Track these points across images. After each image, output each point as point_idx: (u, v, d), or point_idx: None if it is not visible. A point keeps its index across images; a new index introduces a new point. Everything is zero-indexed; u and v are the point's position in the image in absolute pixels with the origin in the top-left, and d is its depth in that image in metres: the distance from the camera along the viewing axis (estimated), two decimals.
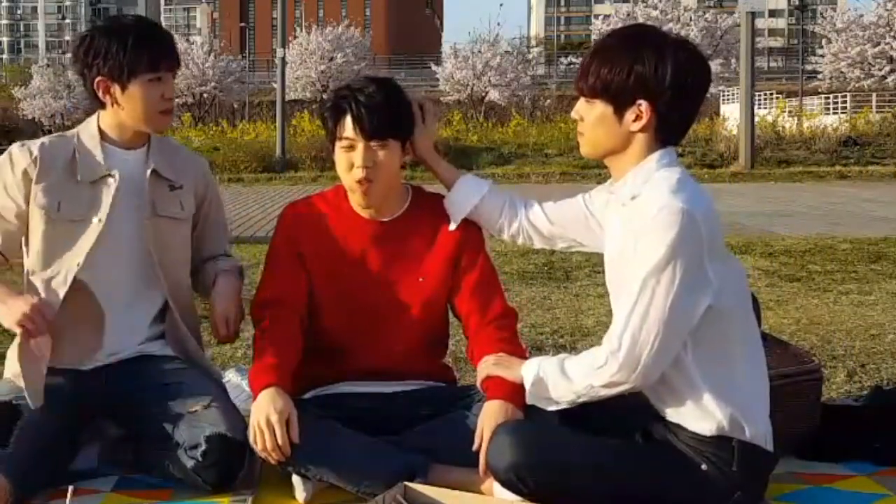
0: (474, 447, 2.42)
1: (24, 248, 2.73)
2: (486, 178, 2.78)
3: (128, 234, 2.71)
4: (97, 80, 2.66)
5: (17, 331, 2.54)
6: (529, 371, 2.36)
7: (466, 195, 2.68)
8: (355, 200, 2.65)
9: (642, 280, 2.14)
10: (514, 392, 2.45)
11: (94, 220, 2.68)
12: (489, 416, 2.43)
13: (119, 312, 2.74)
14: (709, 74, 2.30)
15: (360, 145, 2.55)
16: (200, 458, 2.52)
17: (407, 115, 2.62)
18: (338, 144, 2.58)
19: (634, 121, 2.23)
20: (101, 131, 2.74)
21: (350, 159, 2.57)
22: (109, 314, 2.72)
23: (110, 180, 2.70)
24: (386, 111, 2.55)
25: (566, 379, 2.28)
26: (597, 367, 2.22)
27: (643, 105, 2.22)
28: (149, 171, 2.74)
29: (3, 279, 2.67)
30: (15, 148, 2.73)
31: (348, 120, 2.55)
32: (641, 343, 2.16)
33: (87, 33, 2.70)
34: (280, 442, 2.41)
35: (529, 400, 2.37)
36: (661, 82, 2.19)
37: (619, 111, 2.24)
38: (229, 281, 2.80)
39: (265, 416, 2.42)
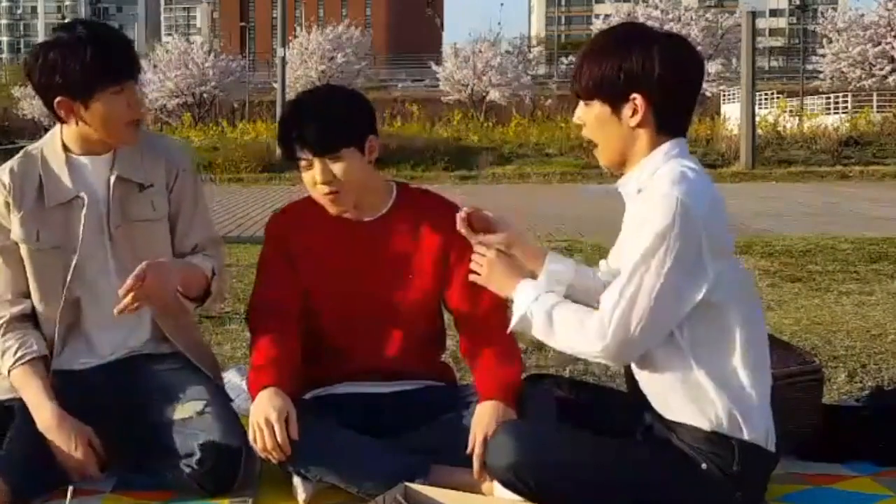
0: (468, 450, 2.42)
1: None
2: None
3: (106, 244, 2.67)
4: (57, 100, 2.55)
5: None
6: (519, 304, 2.33)
7: (566, 266, 2.47)
8: (330, 210, 2.64)
9: (634, 264, 2.15)
10: (506, 392, 2.46)
11: (71, 247, 2.64)
12: (481, 418, 2.44)
13: (109, 316, 2.71)
14: (700, 63, 2.31)
15: (316, 163, 2.55)
16: (196, 466, 2.50)
17: (357, 119, 2.59)
18: (300, 165, 2.60)
19: (632, 116, 2.23)
20: (64, 146, 2.66)
21: (312, 177, 2.58)
22: (100, 319, 2.71)
23: (79, 202, 2.64)
24: (328, 126, 2.54)
25: (551, 330, 2.27)
26: (582, 333, 2.22)
27: (637, 99, 2.22)
28: (112, 179, 2.66)
29: (38, 375, 2.61)
30: None
31: (297, 143, 2.56)
32: (627, 327, 2.17)
33: (38, 51, 2.55)
34: (280, 440, 2.41)
35: (512, 328, 2.35)
36: (651, 74, 2.20)
37: (616, 108, 2.24)
38: (167, 263, 2.60)
39: (264, 415, 2.42)
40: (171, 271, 2.57)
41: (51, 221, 2.64)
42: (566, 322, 2.27)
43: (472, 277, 2.45)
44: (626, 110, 2.24)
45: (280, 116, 2.69)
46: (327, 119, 2.55)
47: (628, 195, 2.30)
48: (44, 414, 2.57)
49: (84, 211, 2.64)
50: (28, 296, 2.68)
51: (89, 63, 2.49)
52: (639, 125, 2.24)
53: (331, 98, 2.62)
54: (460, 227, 2.47)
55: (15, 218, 2.63)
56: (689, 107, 2.32)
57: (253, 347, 2.64)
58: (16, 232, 2.63)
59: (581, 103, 2.30)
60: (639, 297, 2.15)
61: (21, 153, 2.71)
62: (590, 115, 2.29)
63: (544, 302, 2.30)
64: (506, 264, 2.41)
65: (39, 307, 2.68)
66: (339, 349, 2.68)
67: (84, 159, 2.67)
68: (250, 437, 2.46)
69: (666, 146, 2.25)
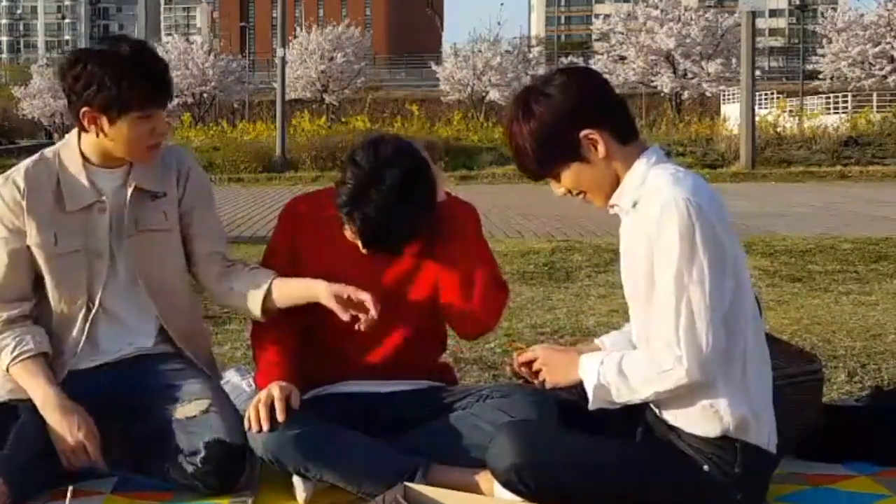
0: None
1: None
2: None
3: (118, 251, 2.69)
4: (84, 110, 2.57)
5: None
6: (588, 376, 2.30)
7: (619, 332, 2.57)
8: None
9: (674, 280, 2.14)
10: None
11: (97, 252, 2.66)
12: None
13: (116, 317, 2.74)
14: (595, 73, 2.34)
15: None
16: (200, 464, 2.51)
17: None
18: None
19: (596, 150, 2.23)
20: (82, 154, 2.67)
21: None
22: (106, 318, 2.72)
23: (99, 206, 2.67)
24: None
25: (628, 384, 2.23)
26: (660, 372, 2.19)
27: (588, 133, 2.22)
28: (130, 190, 2.68)
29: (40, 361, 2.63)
30: (1, 187, 2.65)
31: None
32: (698, 341, 2.14)
33: (79, 59, 2.58)
34: (277, 407, 2.43)
35: (593, 405, 2.29)
36: (572, 105, 2.22)
37: (580, 157, 2.25)
38: None
39: (267, 390, 2.47)
40: None
41: (70, 225, 2.65)
42: (637, 367, 2.23)
43: (540, 377, 2.44)
44: (588, 150, 2.24)
45: None
46: None
47: (623, 210, 2.29)
48: (47, 398, 2.57)
49: (107, 215, 2.67)
50: (29, 298, 2.69)
51: (125, 87, 2.52)
52: (606, 154, 2.24)
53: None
54: (524, 374, 2.49)
55: (30, 223, 2.64)
56: (624, 106, 2.33)
57: (256, 343, 2.68)
58: (32, 237, 2.64)
59: (551, 181, 2.31)
60: (694, 307, 2.14)
61: (37, 155, 2.72)
62: (567, 181, 2.29)
63: (610, 362, 2.27)
64: (558, 351, 2.45)
65: (60, 308, 2.69)
66: (341, 348, 2.68)
67: (102, 169, 2.69)
68: (246, 416, 2.47)
69: (644, 157, 2.26)
